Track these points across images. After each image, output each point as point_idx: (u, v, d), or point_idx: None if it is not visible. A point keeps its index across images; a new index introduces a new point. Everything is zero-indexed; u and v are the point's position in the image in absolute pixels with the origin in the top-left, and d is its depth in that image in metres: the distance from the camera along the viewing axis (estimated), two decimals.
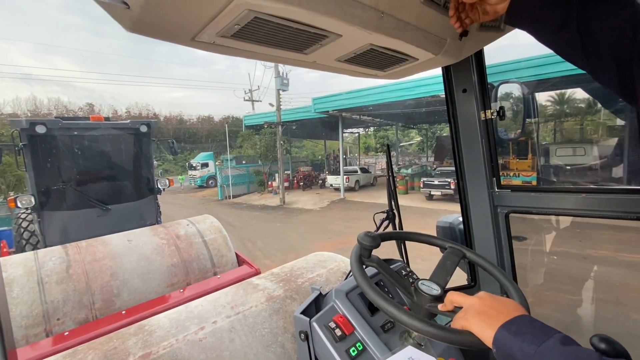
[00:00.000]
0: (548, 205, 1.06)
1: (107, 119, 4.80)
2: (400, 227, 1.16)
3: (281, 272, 2.04)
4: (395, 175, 1.26)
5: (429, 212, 11.49)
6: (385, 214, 1.18)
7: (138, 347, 1.39)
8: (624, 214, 0.96)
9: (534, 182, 8.69)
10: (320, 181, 20.56)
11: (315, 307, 0.75)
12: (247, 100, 26.10)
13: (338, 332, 0.66)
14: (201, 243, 3.32)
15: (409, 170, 18.52)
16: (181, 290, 2.88)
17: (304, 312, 0.72)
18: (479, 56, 1.15)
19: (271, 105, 17.98)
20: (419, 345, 0.64)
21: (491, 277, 1.28)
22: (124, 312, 2.53)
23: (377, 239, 0.65)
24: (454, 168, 1.23)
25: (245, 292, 1.82)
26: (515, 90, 1.46)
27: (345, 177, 17.00)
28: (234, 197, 18.39)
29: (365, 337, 0.66)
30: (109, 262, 2.75)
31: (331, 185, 18.36)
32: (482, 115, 1.15)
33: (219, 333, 1.43)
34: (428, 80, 11.11)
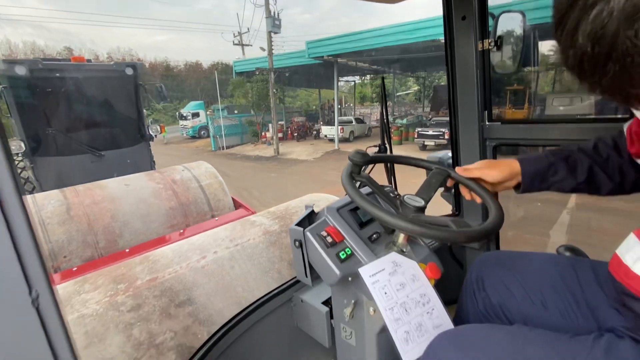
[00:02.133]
0: (535, 137, 1.10)
1: (88, 61, 4.53)
2: None
3: (277, 211, 2.13)
4: (390, 125, 1.26)
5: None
6: (378, 148, 1.21)
7: (145, 273, 1.49)
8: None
9: None
10: (315, 132, 20.32)
11: (308, 222, 0.81)
12: (236, 44, 24.56)
13: (329, 240, 0.72)
14: (197, 187, 3.38)
15: (404, 121, 18.30)
16: (181, 231, 3.00)
17: (299, 226, 0.78)
18: None
19: (262, 49, 16.97)
20: (402, 252, 0.71)
21: (475, 207, 1.35)
22: (127, 250, 2.66)
23: (367, 156, 0.68)
24: (448, 118, 1.23)
25: (243, 227, 1.91)
26: (518, 21, 1.40)
27: (339, 127, 16.79)
28: (228, 147, 18.23)
29: (354, 245, 0.73)
30: (108, 204, 2.81)
31: (325, 136, 18.20)
32: (480, 45, 1.12)
33: (219, 261, 1.53)
34: (428, 23, 10.46)
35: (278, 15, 15.38)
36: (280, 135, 17.82)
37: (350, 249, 0.71)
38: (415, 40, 11.13)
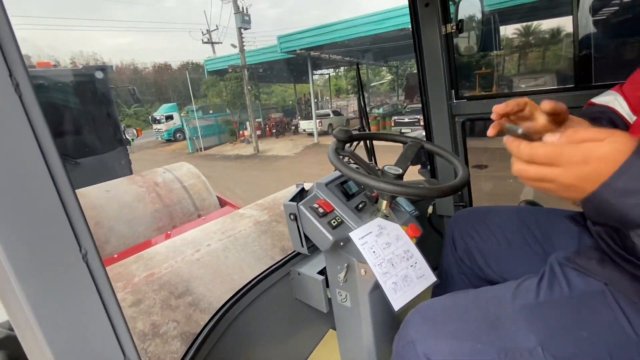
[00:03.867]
0: None
1: (55, 66, 4.35)
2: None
3: (265, 202, 2.18)
4: (367, 115, 1.35)
5: (399, 148, 11.90)
6: (359, 130, 1.29)
7: (141, 270, 1.52)
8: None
9: None
10: (293, 127, 20.28)
11: (300, 198, 0.88)
12: (206, 42, 23.97)
13: (320, 211, 0.80)
14: (181, 188, 3.37)
15: (381, 110, 18.59)
16: (169, 232, 2.99)
17: (291, 201, 0.85)
18: None
19: (234, 46, 16.67)
20: (385, 217, 0.80)
21: (449, 179, 1.47)
22: (116, 255, 2.64)
23: (349, 132, 0.76)
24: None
25: (233, 220, 1.95)
26: (476, 5, 1.51)
27: (318, 121, 16.85)
28: (206, 148, 17.90)
29: (343, 214, 0.81)
30: (91, 212, 2.76)
31: (304, 130, 18.22)
32: (443, 29, 1.22)
33: (214, 253, 1.58)
34: (395, 12, 10.64)
35: (247, 10, 15.15)
36: (258, 132, 17.68)
37: (340, 217, 0.80)
38: (385, 30, 11.31)
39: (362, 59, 20.06)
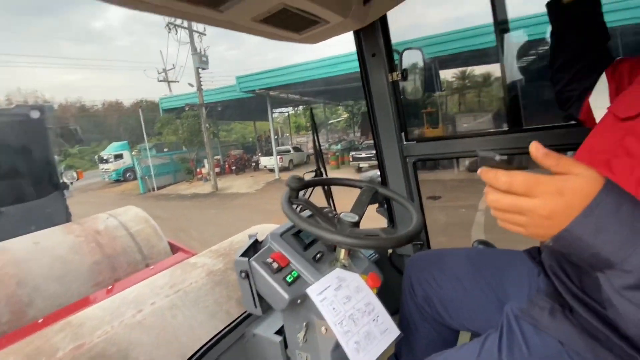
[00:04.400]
0: (445, 151, 1.28)
1: None
2: None
3: (220, 248, 2.04)
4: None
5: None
6: (314, 173, 1.28)
7: (67, 341, 1.29)
8: (505, 150, 1.21)
9: None
10: (254, 164, 20.12)
11: (253, 251, 0.81)
12: (161, 81, 23.64)
13: (275, 266, 0.74)
14: (126, 235, 3.07)
15: (339, 146, 19.23)
16: (109, 287, 2.65)
17: (243, 256, 0.78)
18: (384, 23, 1.28)
19: (191, 85, 16.62)
20: (344, 267, 0.76)
21: (407, 219, 1.49)
22: (40, 320, 2.25)
23: (302, 181, 0.74)
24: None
25: (183, 271, 1.78)
26: (418, 55, 1.65)
27: (278, 157, 16.94)
28: (159, 188, 16.93)
29: (299, 267, 0.76)
30: (12, 269, 2.38)
31: (265, 166, 18.15)
32: (390, 77, 1.30)
33: (159, 312, 1.40)
34: (348, 57, 11.47)
35: (205, 52, 15.37)
36: (217, 170, 17.23)
37: (296, 271, 0.74)
38: (338, 73, 12.04)
39: (319, 99, 21.03)
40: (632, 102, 0.57)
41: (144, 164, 16.96)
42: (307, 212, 0.81)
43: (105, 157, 21.77)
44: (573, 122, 0.98)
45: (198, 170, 18.41)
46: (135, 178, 18.71)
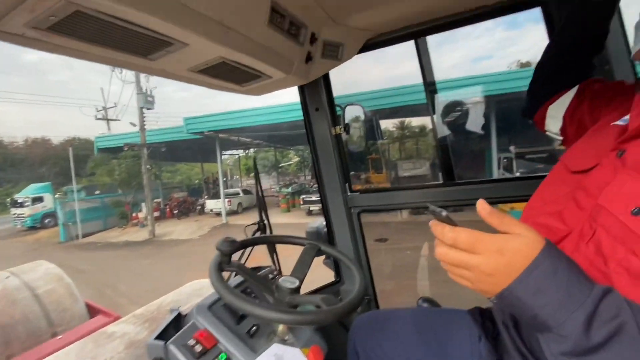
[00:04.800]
0: (387, 202, 1.31)
1: None
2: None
3: (146, 312, 1.77)
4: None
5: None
6: (257, 225, 1.20)
7: None
8: (441, 202, 1.27)
9: None
10: (199, 207, 19.01)
11: (175, 330, 0.68)
12: (100, 119, 22.15)
13: (198, 349, 0.62)
14: (30, 298, 2.55)
15: (289, 189, 19.20)
16: None
17: (161, 338, 0.64)
18: (327, 79, 1.34)
19: (133, 124, 15.76)
20: (283, 341, 0.67)
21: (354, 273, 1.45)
22: None
23: (235, 243, 0.66)
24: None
25: (96, 344, 1.49)
26: (359, 110, 1.75)
27: (227, 200, 16.28)
28: (85, 235, 14.93)
29: (230, 347, 0.65)
30: None
31: (211, 210, 17.21)
32: (333, 131, 1.33)
33: None
34: (295, 106, 12.00)
35: (151, 92, 14.93)
36: (156, 214, 15.91)
37: (225, 353, 0.63)
38: (288, 120, 12.44)
39: (271, 142, 21.29)
40: (583, 156, 0.60)
41: (69, 208, 15.02)
42: (241, 278, 0.73)
43: (20, 201, 18.88)
44: (504, 177, 1.06)
45: (134, 214, 16.80)
46: (56, 224, 16.38)
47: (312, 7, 0.95)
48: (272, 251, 1.16)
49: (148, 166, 14.78)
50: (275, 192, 21.25)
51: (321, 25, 1.07)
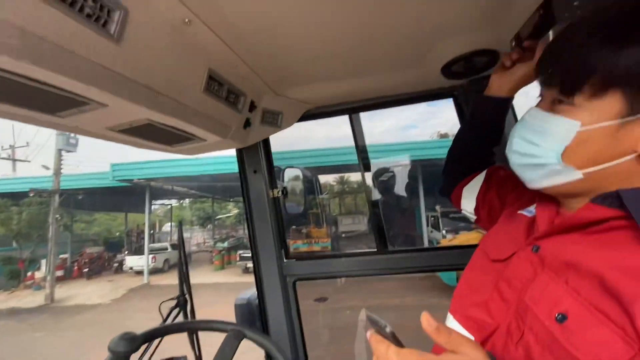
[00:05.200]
0: (325, 270, 1.27)
1: None
2: (193, 314, 1.04)
3: None
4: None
5: (243, 286, 11.26)
6: (176, 301, 1.04)
7: None
8: (376, 271, 1.27)
9: (329, 248, 10.50)
10: (116, 264, 16.56)
11: None
12: (5, 158, 19.15)
13: None
14: None
15: (225, 244, 17.88)
16: None
17: None
18: (266, 143, 1.34)
19: (46, 167, 13.85)
20: None
21: (287, 349, 1.32)
22: None
23: (136, 340, 0.54)
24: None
25: None
26: (298, 172, 1.77)
27: (151, 256, 14.49)
28: None
29: None
30: None
31: (131, 268, 15.01)
32: (271, 193, 1.30)
33: None
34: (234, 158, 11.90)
35: (74, 134, 13.57)
36: (60, 273, 13.40)
37: None
38: (227, 172, 12.16)
39: (209, 193, 20.33)
40: (499, 244, 0.60)
41: None
42: None
43: None
44: (436, 246, 1.11)
45: (30, 273, 13.90)
46: None
47: (252, 78, 0.98)
48: (193, 337, 0.98)
49: (57, 216, 12.75)
50: (209, 246, 19.68)
51: (261, 95, 1.09)
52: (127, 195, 16.79)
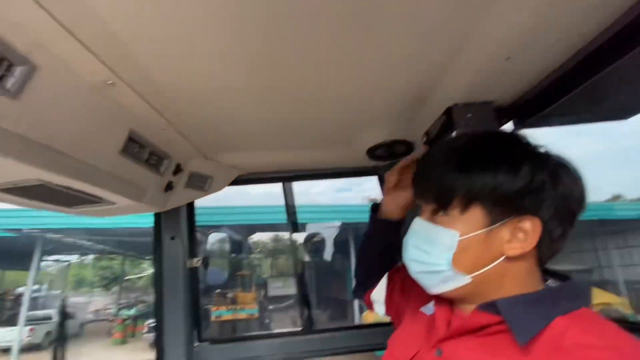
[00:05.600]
0: (244, 355, 1.12)
1: None
2: None
3: None
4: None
5: None
6: None
7: None
8: (302, 354, 1.16)
9: (257, 315, 9.61)
10: None
11: None
12: None
13: None
14: None
15: (132, 311, 14.87)
16: None
17: None
18: (191, 206, 1.25)
19: None
20: None
21: None
22: None
23: None
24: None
25: None
26: (225, 236, 1.66)
27: (28, 328, 11.42)
28: None
29: None
30: None
31: None
32: (189, 263, 1.17)
33: None
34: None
35: None
36: None
37: None
38: (145, 225, 10.89)
39: (119, 249, 17.71)
40: (402, 344, 0.63)
41: None
42: None
43: None
44: (363, 324, 1.07)
45: None
46: None
47: (179, 141, 0.93)
48: None
49: None
50: (111, 314, 16.24)
51: (189, 158, 1.04)
52: (10, 248, 13.62)
